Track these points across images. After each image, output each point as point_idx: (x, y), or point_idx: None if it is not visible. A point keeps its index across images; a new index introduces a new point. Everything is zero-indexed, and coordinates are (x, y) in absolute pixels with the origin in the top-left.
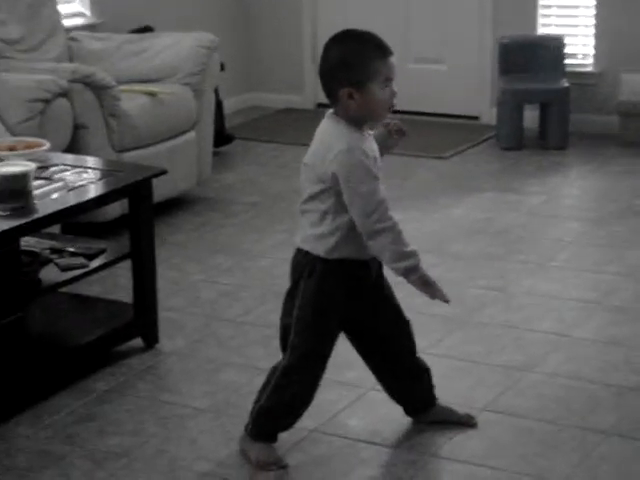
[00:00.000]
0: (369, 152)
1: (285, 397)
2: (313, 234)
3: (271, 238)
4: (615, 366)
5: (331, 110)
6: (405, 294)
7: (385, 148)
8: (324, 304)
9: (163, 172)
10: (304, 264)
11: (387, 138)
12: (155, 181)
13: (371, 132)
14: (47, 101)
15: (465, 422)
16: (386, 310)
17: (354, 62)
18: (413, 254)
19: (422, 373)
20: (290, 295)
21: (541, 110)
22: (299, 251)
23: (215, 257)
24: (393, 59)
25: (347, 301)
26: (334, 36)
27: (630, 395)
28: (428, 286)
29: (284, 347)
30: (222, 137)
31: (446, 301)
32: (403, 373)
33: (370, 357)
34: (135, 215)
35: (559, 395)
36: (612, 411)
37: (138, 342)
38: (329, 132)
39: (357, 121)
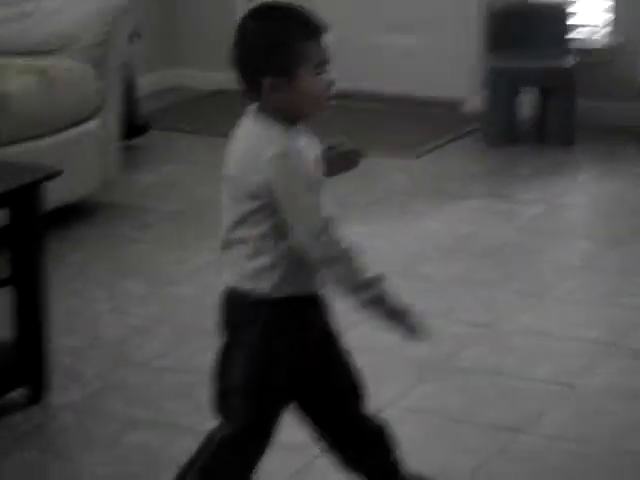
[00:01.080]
0: (310, 155)
1: (219, 477)
2: (252, 268)
3: (197, 258)
4: (633, 426)
5: (253, 105)
6: (366, 329)
7: (328, 172)
8: (273, 359)
9: (57, 173)
10: (243, 310)
11: (332, 161)
12: (48, 184)
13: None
14: None
15: None
16: (334, 361)
17: (277, 45)
18: (375, 282)
19: (378, 432)
20: (224, 352)
21: (541, 95)
22: (234, 294)
23: (125, 282)
24: (327, 38)
25: (302, 349)
26: (250, 12)
27: None
28: (397, 319)
29: (220, 412)
30: (134, 127)
31: (423, 335)
32: (354, 435)
33: (312, 417)
34: (18, 229)
35: (561, 463)
36: None
37: (21, 394)
38: (256, 133)
39: (287, 117)
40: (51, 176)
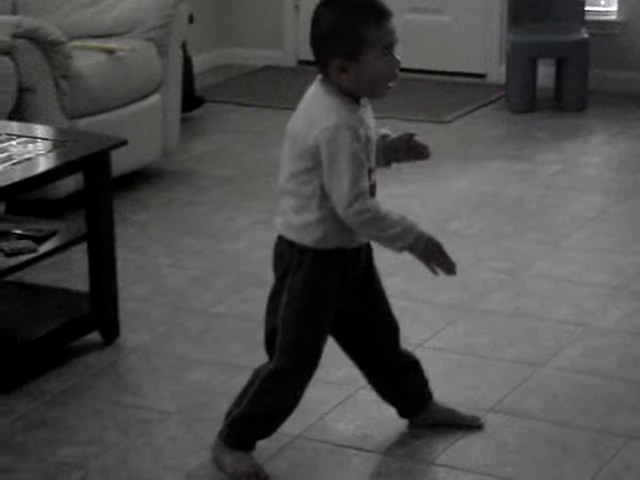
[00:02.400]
0: (361, 132)
1: (269, 403)
2: (298, 222)
3: (247, 217)
4: (638, 360)
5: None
6: (401, 279)
7: (393, 157)
8: (315, 300)
9: (123, 142)
10: (290, 255)
11: (402, 149)
12: (115, 152)
13: (366, 104)
14: None
15: (469, 424)
16: (374, 301)
17: (344, 29)
18: (404, 234)
19: (411, 366)
20: (275, 292)
21: (557, 66)
22: (282, 240)
23: (184, 239)
24: (393, 22)
25: (340, 293)
26: (324, 0)
27: None
28: (427, 261)
29: (270, 349)
30: (191, 100)
31: (451, 271)
32: (390, 368)
33: (354, 351)
34: (91, 192)
35: (575, 393)
36: (636, 412)
37: (96, 337)
38: (317, 103)
39: (350, 94)
40: (117, 145)
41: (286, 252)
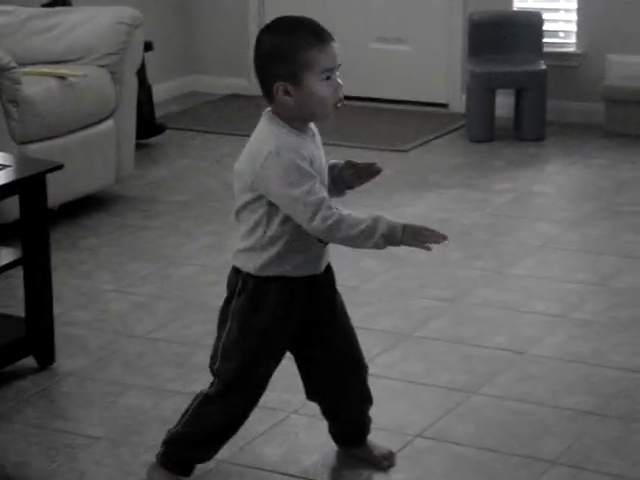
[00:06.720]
0: (304, 152)
1: (200, 426)
2: (243, 248)
3: (197, 242)
4: (571, 387)
5: (269, 108)
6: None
7: (345, 185)
8: (255, 327)
9: (58, 167)
10: (235, 282)
11: (350, 176)
12: (66, 177)
13: (313, 129)
14: None
15: (377, 464)
16: (336, 337)
17: (286, 52)
18: (375, 223)
19: (368, 403)
20: (221, 318)
21: (516, 96)
22: (233, 267)
23: (131, 264)
24: (334, 45)
25: (287, 323)
26: (265, 25)
27: (584, 420)
28: (420, 238)
29: (212, 374)
30: (151, 127)
31: (443, 239)
32: (351, 404)
33: (316, 385)
34: (26, 216)
35: (504, 420)
36: (561, 438)
37: (31, 362)
38: (262, 134)
39: (295, 119)
40: (53, 169)
41: (233, 278)
